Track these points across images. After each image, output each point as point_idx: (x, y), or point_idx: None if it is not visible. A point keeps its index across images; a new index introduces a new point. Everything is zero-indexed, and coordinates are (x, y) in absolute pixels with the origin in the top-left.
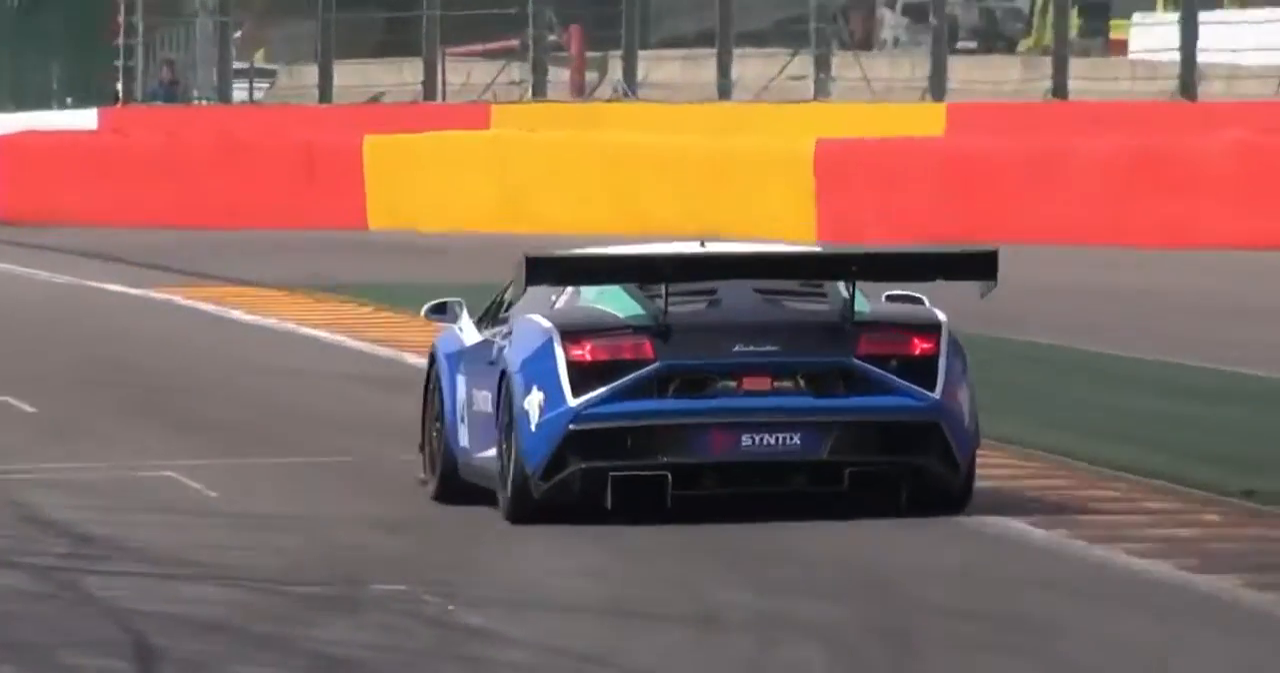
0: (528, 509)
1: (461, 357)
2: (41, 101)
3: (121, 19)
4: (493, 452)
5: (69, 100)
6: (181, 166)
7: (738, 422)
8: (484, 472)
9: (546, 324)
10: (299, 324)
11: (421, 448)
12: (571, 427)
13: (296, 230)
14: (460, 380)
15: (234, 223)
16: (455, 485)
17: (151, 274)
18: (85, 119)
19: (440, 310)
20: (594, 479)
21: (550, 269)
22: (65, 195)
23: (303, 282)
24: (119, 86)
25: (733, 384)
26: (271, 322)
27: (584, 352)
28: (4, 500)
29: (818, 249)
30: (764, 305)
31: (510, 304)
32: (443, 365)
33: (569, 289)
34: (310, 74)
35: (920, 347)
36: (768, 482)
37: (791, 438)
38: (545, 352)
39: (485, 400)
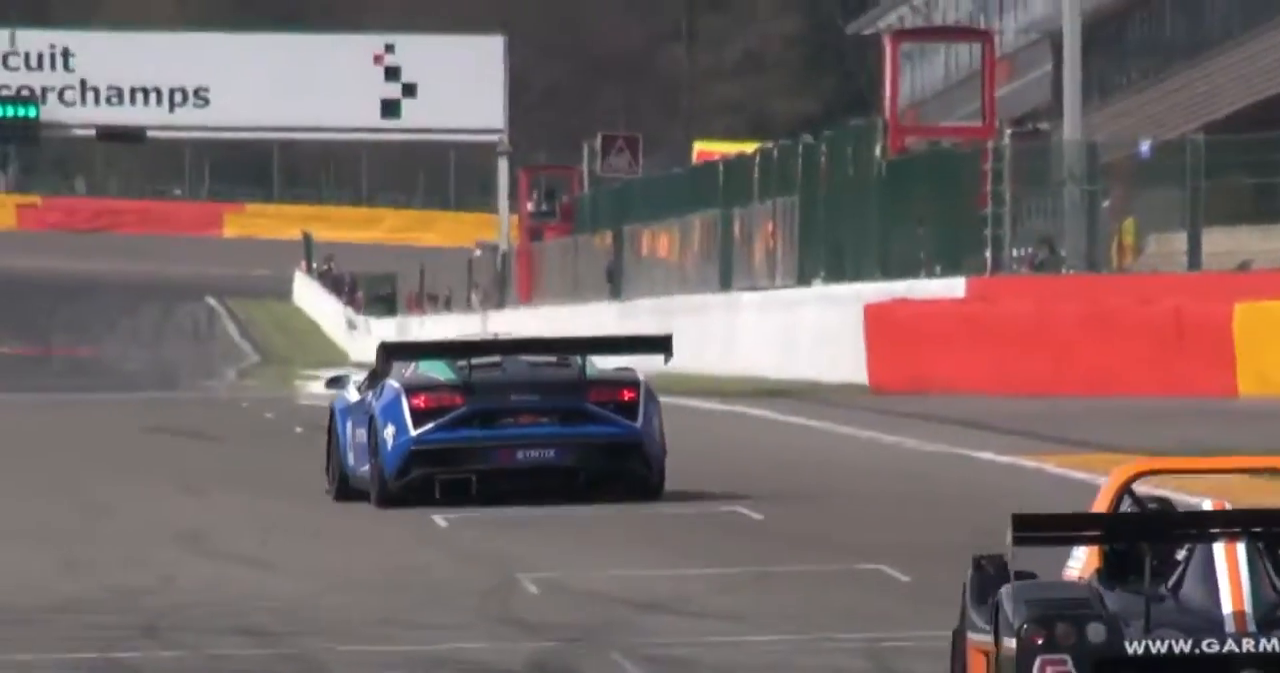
0: (388, 500)
1: (349, 410)
2: (910, 270)
3: (989, 188)
4: (367, 467)
5: (937, 268)
6: (1050, 334)
7: (515, 443)
8: (363, 480)
9: (397, 384)
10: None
11: (326, 469)
12: (413, 448)
13: (1165, 397)
14: (348, 424)
15: (1103, 390)
16: (346, 490)
17: (1021, 441)
18: (953, 287)
19: (336, 382)
20: (427, 480)
21: (398, 352)
22: (934, 364)
23: (1171, 449)
24: (987, 255)
25: (511, 420)
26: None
27: (420, 401)
28: (879, 668)
29: (562, 336)
30: (531, 370)
31: (378, 376)
32: (337, 416)
33: (414, 363)
34: (1179, 241)
35: (627, 395)
36: (534, 481)
37: (548, 452)
38: (395, 401)
39: (362, 435)
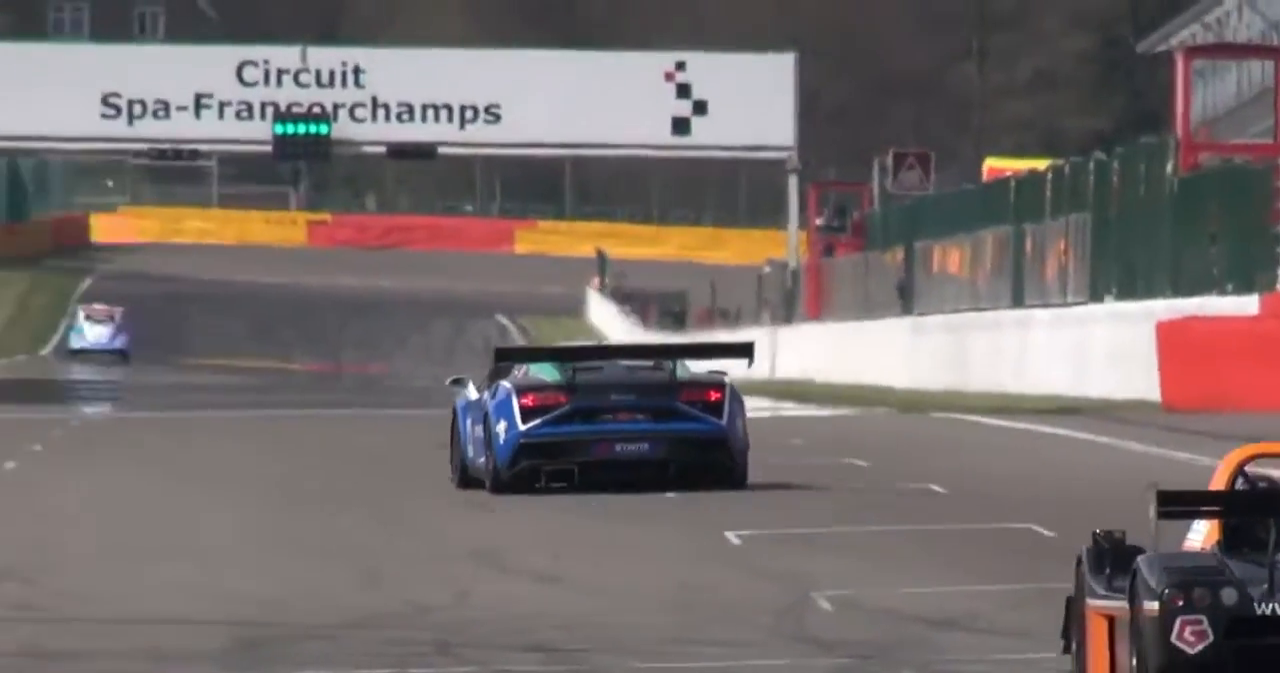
0: (500, 488)
1: (468, 407)
2: (1202, 287)
3: None
4: (483, 459)
5: (1230, 286)
6: None
7: (613, 438)
8: (480, 470)
9: (509, 385)
10: None
11: (450, 459)
12: (522, 441)
13: None
14: (468, 420)
15: None
16: (466, 478)
17: None
18: (1246, 305)
19: (458, 382)
20: (534, 470)
21: (510, 355)
22: (1227, 381)
23: None
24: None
25: (610, 417)
26: None
27: (529, 400)
28: None
29: (652, 342)
30: (628, 373)
31: (495, 377)
32: (459, 413)
33: (525, 366)
34: None
35: (713, 396)
36: (629, 472)
37: (643, 446)
38: (507, 400)
39: (479, 430)
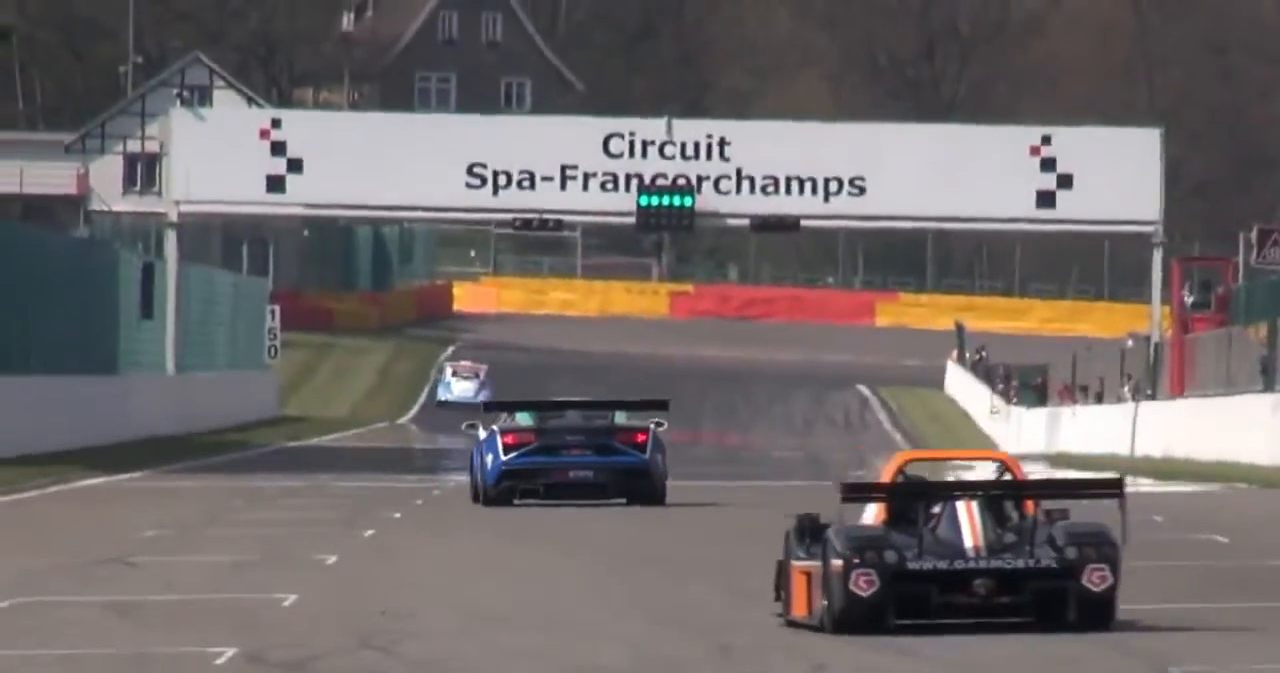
0: (488, 502)
1: (478, 445)
2: None
3: None
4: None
5: None
6: None
7: (568, 467)
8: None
9: (496, 428)
10: None
11: (470, 484)
12: (504, 468)
13: None
14: (476, 454)
15: None
16: (477, 497)
17: None
18: None
19: (472, 427)
20: (512, 490)
21: (498, 406)
22: None
23: None
24: None
25: (566, 452)
26: None
27: (509, 439)
28: None
29: (604, 399)
30: (581, 420)
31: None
32: (475, 449)
33: (509, 414)
34: None
35: (640, 438)
36: (578, 492)
37: (588, 473)
38: (493, 438)
39: (478, 460)
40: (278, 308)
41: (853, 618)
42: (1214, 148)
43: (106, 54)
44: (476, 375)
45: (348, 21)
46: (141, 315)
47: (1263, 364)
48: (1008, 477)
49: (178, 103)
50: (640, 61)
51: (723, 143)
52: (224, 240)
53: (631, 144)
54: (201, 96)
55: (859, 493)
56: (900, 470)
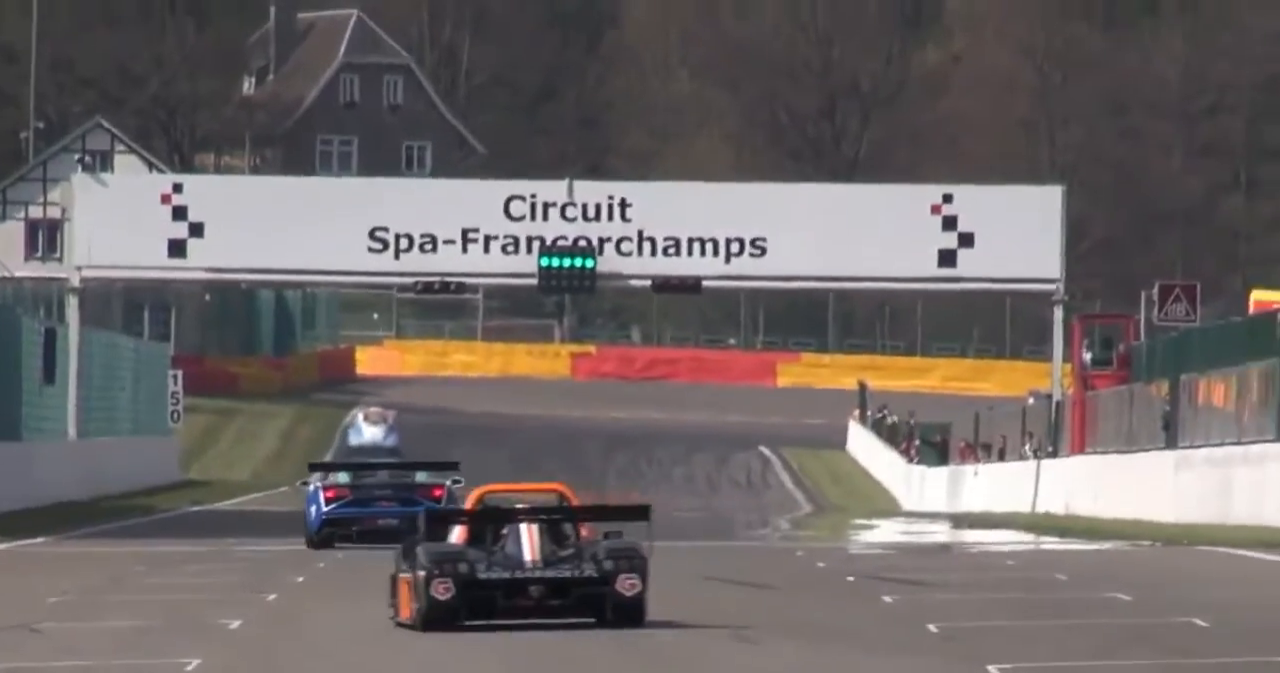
0: (313, 546)
1: (308, 499)
2: None
3: None
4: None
5: None
6: None
7: (377, 516)
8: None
9: (318, 484)
10: None
11: (305, 533)
12: (325, 517)
13: None
14: (306, 506)
15: None
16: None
17: None
18: None
19: (306, 483)
20: (332, 535)
21: (320, 467)
22: None
23: None
24: None
25: (375, 503)
26: None
27: (329, 493)
28: None
29: (393, 461)
30: (389, 477)
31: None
32: (307, 502)
33: (330, 474)
34: None
35: (437, 492)
36: (386, 537)
37: (393, 521)
38: (316, 493)
39: (307, 511)
40: (180, 373)
41: (434, 618)
42: (1115, 205)
43: (8, 120)
44: (385, 420)
45: (249, 86)
46: (44, 381)
47: (1164, 421)
48: (564, 504)
49: (79, 168)
50: (541, 123)
51: (624, 204)
52: (126, 305)
53: (533, 206)
54: (103, 162)
55: (445, 520)
56: (480, 500)
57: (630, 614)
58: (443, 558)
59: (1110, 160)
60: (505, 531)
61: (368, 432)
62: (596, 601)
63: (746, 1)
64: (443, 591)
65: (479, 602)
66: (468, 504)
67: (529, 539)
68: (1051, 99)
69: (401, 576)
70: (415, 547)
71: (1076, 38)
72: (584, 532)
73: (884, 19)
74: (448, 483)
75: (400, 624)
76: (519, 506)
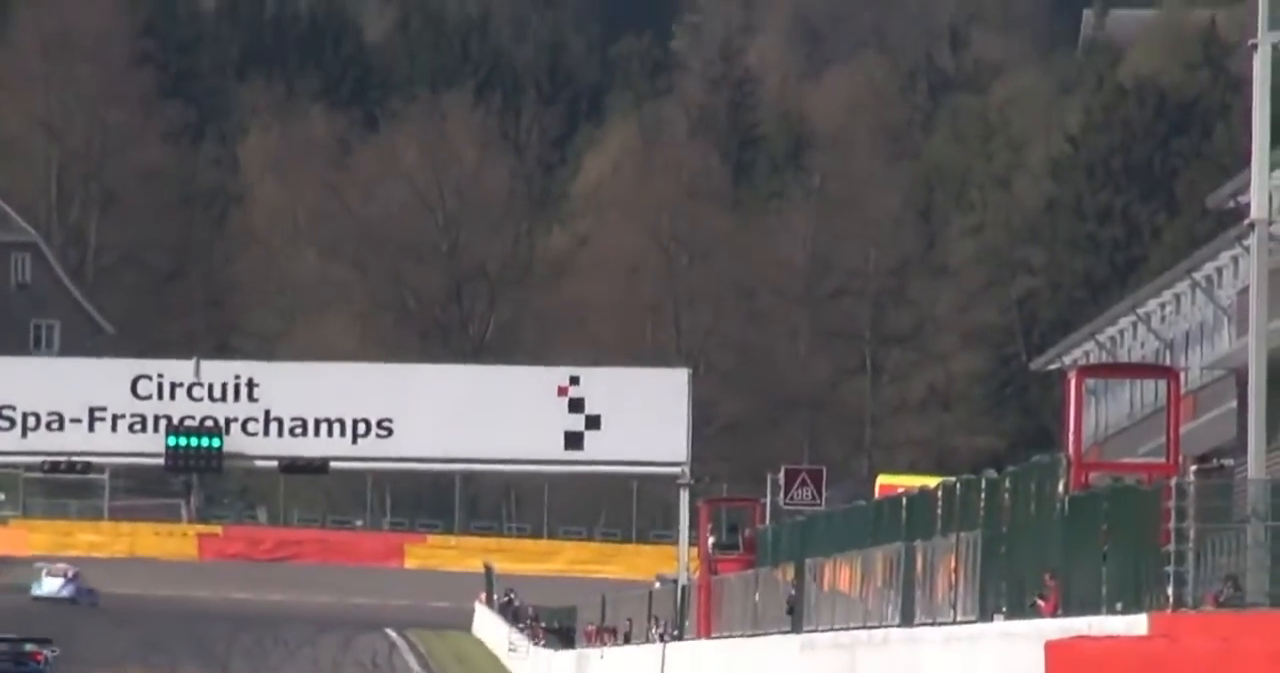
0: None
1: None
2: (1091, 606)
3: (1172, 525)
4: None
5: (1119, 605)
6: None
7: None
8: None
9: None
10: None
11: None
12: None
13: None
14: None
15: None
16: None
17: None
18: (1136, 624)
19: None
20: None
21: None
22: None
23: None
24: (1170, 591)
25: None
26: None
27: None
28: None
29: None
30: (9, 647)
31: None
32: None
33: None
34: None
35: (38, 657)
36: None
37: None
38: None
39: None
40: None
41: None
42: (743, 388)
43: None
44: (65, 575)
45: None
46: None
47: (789, 605)
48: None
49: None
50: (170, 303)
51: (251, 383)
52: None
53: (160, 386)
54: None
55: None
56: None
57: None
58: None
59: (737, 343)
60: None
61: (47, 584)
62: None
63: (374, 182)
64: None
65: None
66: None
67: None
68: (678, 281)
69: None
70: None
71: (703, 220)
72: None
73: (512, 201)
74: (47, 653)
75: None
76: None
